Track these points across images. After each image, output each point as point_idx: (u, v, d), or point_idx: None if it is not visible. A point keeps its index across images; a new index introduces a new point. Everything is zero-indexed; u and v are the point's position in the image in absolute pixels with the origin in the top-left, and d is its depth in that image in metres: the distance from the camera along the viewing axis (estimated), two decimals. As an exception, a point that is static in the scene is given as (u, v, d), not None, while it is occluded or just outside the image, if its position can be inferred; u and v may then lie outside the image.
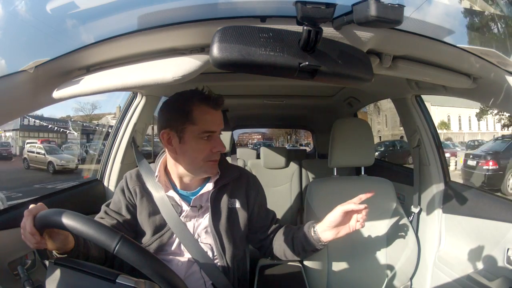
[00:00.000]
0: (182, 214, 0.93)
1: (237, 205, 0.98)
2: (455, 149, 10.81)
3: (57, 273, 0.62)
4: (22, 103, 0.73)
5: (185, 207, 0.94)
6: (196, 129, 0.87)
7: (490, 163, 6.55)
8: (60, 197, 1.18)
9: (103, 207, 0.97)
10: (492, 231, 1.08)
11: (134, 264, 0.56)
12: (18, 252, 0.87)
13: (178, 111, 0.88)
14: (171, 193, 0.94)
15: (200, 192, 0.94)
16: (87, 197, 1.31)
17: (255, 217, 1.03)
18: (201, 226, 0.94)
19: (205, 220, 0.95)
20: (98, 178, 1.41)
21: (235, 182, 1.00)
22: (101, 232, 0.57)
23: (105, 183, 1.39)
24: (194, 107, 0.87)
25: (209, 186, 0.95)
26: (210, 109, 0.88)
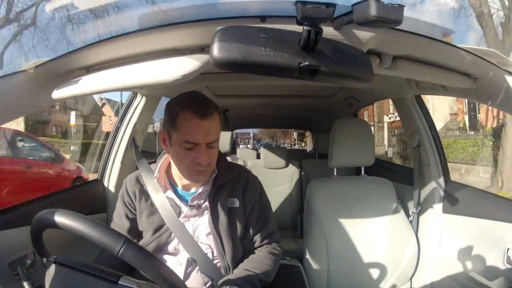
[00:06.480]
0: (181, 215, 0.94)
1: (236, 204, 0.97)
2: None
3: (57, 273, 0.62)
4: (22, 103, 0.73)
5: (184, 207, 0.94)
6: (179, 136, 0.83)
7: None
8: (59, 197, 1.17)
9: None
10: (492, 231, 1.08)
11: (138, 267, 0.56)
12: (18, 252, 0.87)
13: (169, 115, 0.86)
14: (170, 193, 0.94)
15: (198, 191, 0.94)
16: (87, 197, 1.31)
17: (247, 219, 0.99)
18: (201, 226, 0.94)
19: (205, 220, 0.94)
20: (98, 178, 1.41)
21: (234, 182, 0.98)
22: (105, 235, 0.56)
23: (105, 183, 1.38)
24: (180, 113, 0.83)
25: (207, 185, 0.95)
26: (194, 118, 0.82)
